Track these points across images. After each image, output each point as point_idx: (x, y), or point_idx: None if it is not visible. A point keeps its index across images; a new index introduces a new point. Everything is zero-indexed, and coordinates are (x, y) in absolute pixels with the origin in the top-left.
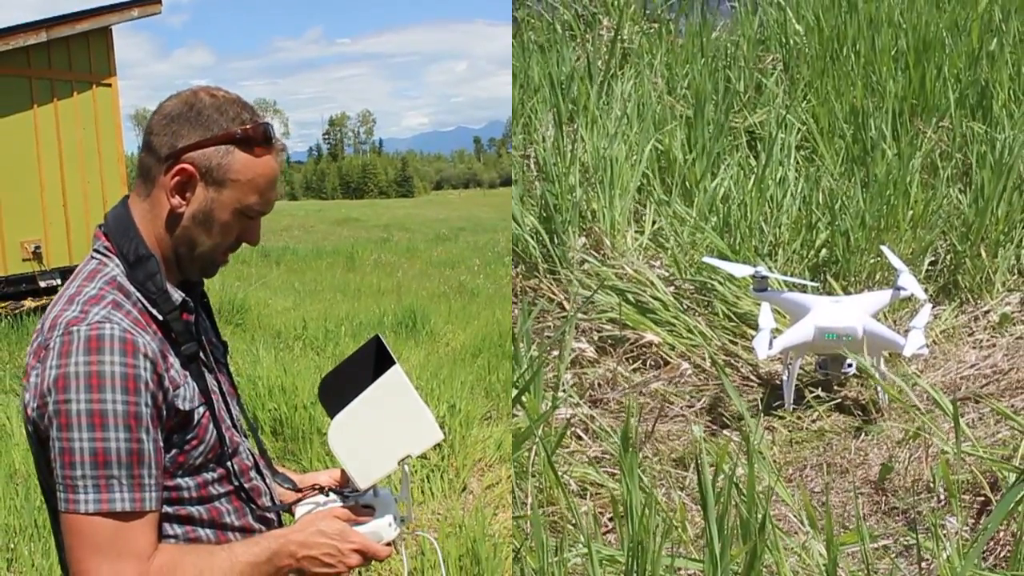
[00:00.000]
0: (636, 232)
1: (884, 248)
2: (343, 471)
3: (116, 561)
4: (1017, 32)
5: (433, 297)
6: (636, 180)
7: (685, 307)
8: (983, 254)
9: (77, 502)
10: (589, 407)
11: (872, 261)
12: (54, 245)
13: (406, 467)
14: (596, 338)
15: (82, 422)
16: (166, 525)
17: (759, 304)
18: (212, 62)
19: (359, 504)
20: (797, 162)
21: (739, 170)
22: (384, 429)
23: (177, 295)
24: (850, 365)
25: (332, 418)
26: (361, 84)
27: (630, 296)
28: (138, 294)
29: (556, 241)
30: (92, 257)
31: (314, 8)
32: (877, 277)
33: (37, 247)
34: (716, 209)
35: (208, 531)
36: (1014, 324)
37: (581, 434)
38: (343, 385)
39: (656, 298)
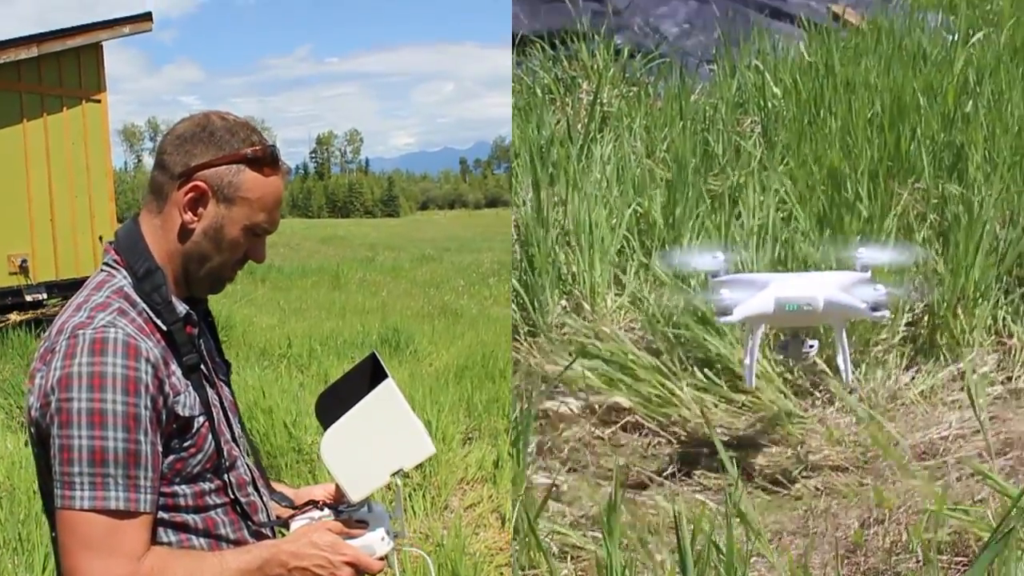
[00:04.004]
0: (616, 294)
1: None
2: (337, 486)
3: (107, 559)
4: (991, 95)
5: (417, 317)
6: (616, 243)
7: (665, 367)
8: (960, 314)
9: (73, 498)
10: (568, 470)
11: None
12: (41, 259)
13: (399, 481)
14: (576, 399)
15: (82, 420)
16: (161, 531)
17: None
18: (201, 78)
19: (353, 519)
20: (774, 224)
21: (717, 231)
22: (376, 442)
23: (181, 307)
24: (811, 347)
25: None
26: (349, 103)
27: (609, 361)
28: (143, 304)
29: (536, 305)
30: (101, 270)
31: (304, 27)
32: (853, 338)
33: (24, 261)
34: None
35: (203, 541)
36: (992, 384)
37: (560, 498)
38: (338, 401)
39: (634, 363)
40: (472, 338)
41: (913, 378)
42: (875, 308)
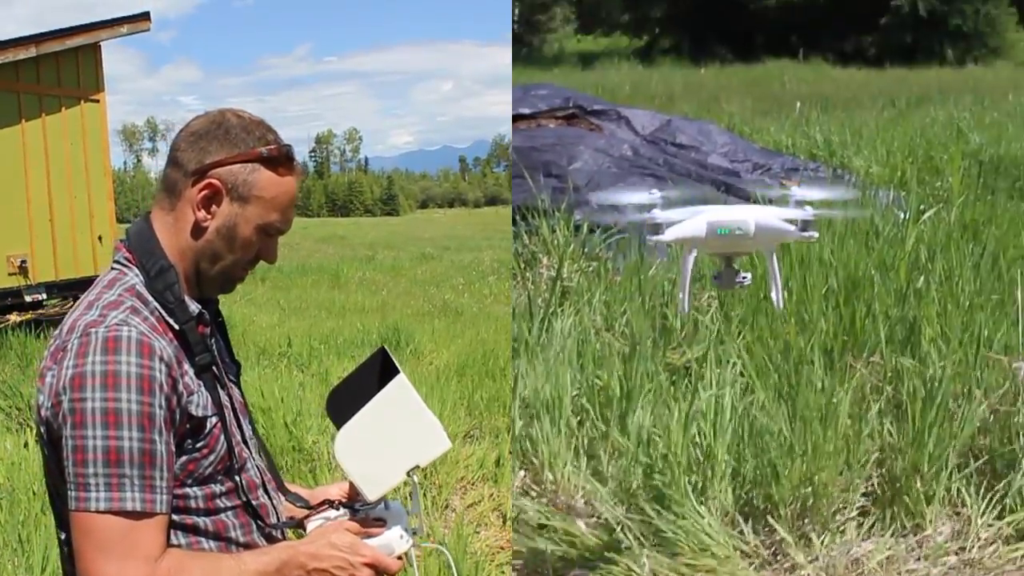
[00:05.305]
0: (574, 466)
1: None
2: (352, 484)
3: (123, 561)
4: (942, 270)
5: (417, 315)
6: (575, 415)
7: (622, 540)
8: (917, 485)
9: (88, 500)
10: None
11: (804, 491)
12: (40, 260)
13: (415, 478)
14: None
15: (96, 420)
16: (171, 534)
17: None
18: (200, 78)
19: (370, 517)
20: (733, 398)
21: (674, 403)
22: (391, 439)
23: (194, 306)
24: (744, 278)
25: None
26: (348, 102)
27: (564, 540)
28: (155, 303)
29: None
30: (112, 267)
31: (302, 26)
32: (808, 512)
33: (23, 261)
34: (652, 443)
35: (212, 543)
36: (948, 554)
37: None
38: (349, 399)
39: (588, 540)
40: (472, 336)
41: (872, 548)
42: (804, 228)
